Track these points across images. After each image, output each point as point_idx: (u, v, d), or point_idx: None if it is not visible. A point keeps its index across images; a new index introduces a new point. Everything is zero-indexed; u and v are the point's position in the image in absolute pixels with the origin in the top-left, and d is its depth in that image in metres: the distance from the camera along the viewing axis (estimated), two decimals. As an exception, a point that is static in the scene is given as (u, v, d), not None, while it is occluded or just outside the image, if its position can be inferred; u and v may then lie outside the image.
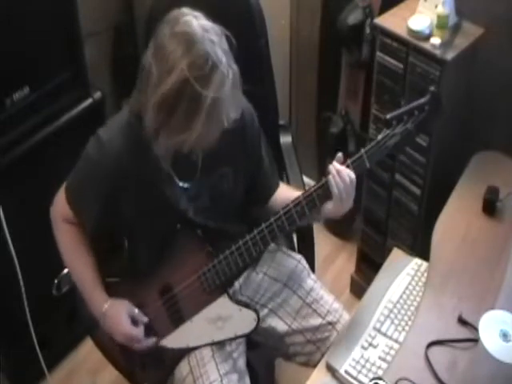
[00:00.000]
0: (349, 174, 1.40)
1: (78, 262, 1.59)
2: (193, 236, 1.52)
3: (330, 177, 1.40)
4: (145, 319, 1.57)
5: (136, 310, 1.57)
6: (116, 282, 1.62)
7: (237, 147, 1.50)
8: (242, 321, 1.56)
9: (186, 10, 1.33)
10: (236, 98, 1.32)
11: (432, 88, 1.44)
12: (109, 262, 1.64)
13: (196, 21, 1.29)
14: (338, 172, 1.40)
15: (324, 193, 1.41)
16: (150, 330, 1.58)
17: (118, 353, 1.66)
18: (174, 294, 1.56)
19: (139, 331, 1.55)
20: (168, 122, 1.29)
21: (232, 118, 1.34)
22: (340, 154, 1.43)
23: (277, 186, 1.67)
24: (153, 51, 1.30)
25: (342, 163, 1.42)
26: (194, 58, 1.24)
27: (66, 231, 1.59)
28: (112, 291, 1.59)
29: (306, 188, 1.45)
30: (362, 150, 1.41)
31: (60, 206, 1.57)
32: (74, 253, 1.59)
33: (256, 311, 1.57)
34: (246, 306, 1.57)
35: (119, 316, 1.54)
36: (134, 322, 1.56)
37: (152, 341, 1.58)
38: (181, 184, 1.49)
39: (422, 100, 1.41)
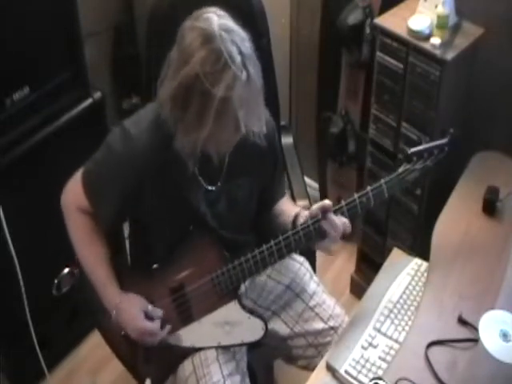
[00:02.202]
0: (344, 223, 1.43)
1: (90, 254, 1.56)
2: (210, 238, 1.53)
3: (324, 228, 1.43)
4: (159, 313, 1.55)
5: (150, 306, 1.54)
6: (128, 273, 1.60)
7: (257, 159, 1.50)
8: (250, 328, 1.56)
9: (212, 8, 1.33)
10: (255, 106, 1.32)
11: (451, 130, 1.49)
12: (120, 253, 1.63)
13: (217, 19, 1.28)
14: (333, 225, 1.42)
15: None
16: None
17: (122, 345, 1.65)
18: (185, 293, 1.56)
19: (155, 326, 1.53)
20: (182, 117, 1.30)
21: (253, 129, 1.34)
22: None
23: (282, 195, 1.68)
24: (176, 44, 1.31)
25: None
26: (207, 53, 1.24)
27: (79, 221, 1.56)
28: (123, 282, 1.57)
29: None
30: (382, 180, 1.45)
31: (74, 195, 1.54)
32: (87, 244, 1.56)
33: (264, 321, 1.57)
34: (256, 314, 1.57)
35: (133, 312, 1.52)
36: (148, 317, 1.54)
37: (167, 331, 1.56)
38: (206, 186, 1.49)
39: (443, 141, 1.47)
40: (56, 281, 2.13)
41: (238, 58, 1.25)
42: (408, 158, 1.46)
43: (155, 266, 1.58)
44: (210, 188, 1.50)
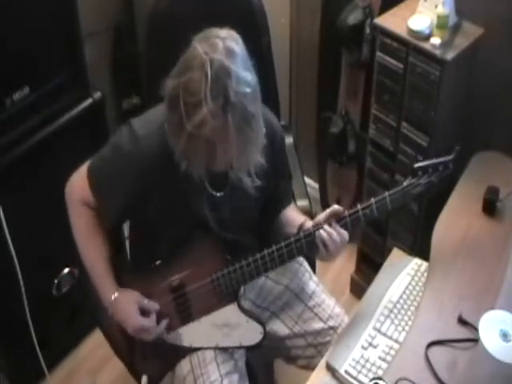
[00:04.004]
0: (341, 235, 1.44)
1: (91, 248, 1.56)
2: (213, 240, 1.52)
3: (318, 237, 1.44)
4: (156, 306, 1.55)
5: (146, 301, 1.55)
6: (128, 271, 1.60)
7: (263, 169, 1.48)
8: (249, 332, 1.57)
9: (225, 32, 1.27)
10: (237, 148, 1.26)
11: (457, 147, 1.50)
12: (120, 253, 1.64)
13: (222, 49, 1.22)
14: (330, 235, 1.44)
15: None
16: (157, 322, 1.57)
17: (120, 341, 1.65)
18: (186, 292, 1.56)
19: (150, 321, 1.53)
20: (168, 118, 1.29)
21: (237, 167, 1.33)
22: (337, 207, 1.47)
23: (287, 203, 1.68)
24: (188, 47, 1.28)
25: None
26: (193, 79, 1.21)
27: (82, 214, 1.55)
28: (123, 280, 1.57)
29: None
30: (387, 193, 1.45)
31: (79, 187, 1.53)
32: (89, 237, 1.56)
33: (263, 325, 1.57)
34: (254, 318, 1.57)
35: (129, 307, 1.53)
36: (144, 312, 1.54)
37: (163, 326, 1.56)
38: (213, 192, 1.49)
39: (449, 157, 1.48)
40: (56, 281, 2.13)
41: (218, 103, 1.19)
42: (413, 173, 1.47)
43: (158, 262, 1.58)
44: (217, 194, 1.49)
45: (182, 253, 1.54)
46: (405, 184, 1.47)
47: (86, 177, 1.52)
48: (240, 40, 1.28)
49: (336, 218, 1.45)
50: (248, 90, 1.23)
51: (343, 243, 1.46)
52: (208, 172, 1.42)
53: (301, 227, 1.54)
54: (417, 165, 1.48)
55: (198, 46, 1.24)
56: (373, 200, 1.45)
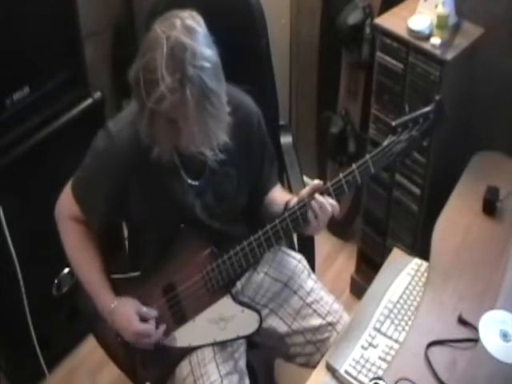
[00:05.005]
0: (333, 206, 1.41)
1: (84, 262, 1.57)
2: (197, 236, 1.52)
3: (310, 211, 1.41)
4: (154, 313, 1.56)
5: (144, 308, 1.55)
6: (120, 278, 1.61)
7: (242, 151, 1.50)
8: (245, 322, 1.56)
9: (186, 12, 1.30)
10: (198, 124, 1.27)
11: (437, 97, 1.46)
12: (114, 258, 1.64)
13: (180, 27, 1.25)
14: (321, 205, 1.40)
15: None
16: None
17: (119, 350, 1.66)
18: (178, 293, 1.56)
19: (149, 327, 1.54)
20: (135, 103, 1.31)
21: (199, 145, 1.33)
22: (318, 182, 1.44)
23: (273, 185, 1.68)
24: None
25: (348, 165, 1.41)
26: (150, 58, 1.23)
27: (72, 229, 1.57)
28: (117, 288, 1.58)
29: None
30: (368, 156, 1.41)
31: (66, 204, 1.56)
32: (81, 252, 1.57)
33: (258, 312, 1.57)
34: (249, 306, 1.57)
35: (128, 315, 1.53)
36: (143, 319, 1.54)
37: (162, 331, 1.56)
38: (189, 181, 1.49)
39: (428, 108, 1.44)
40: (56, 281, 2.13)
41: (175, 77, 1.21)
42: (393, 130, 1.43)
43: (137, 273, 1.60)
44: (193, 183, 1.50)
45: (170, 254, 1.55)
46: (385, 144, 1.42)
47: (71, 190, 1.54)
48: (201, 21, 1.30)
49: (319, 192, 1.42)
50: (207, 64, 1.25)
51: (335, 213, 1.43)
52: (182, 160, 1.44)
53: (287, 204, 1.51)
54: (396, 122, 1.43)
55: (157, 27, 1.26)
56: (354, 166, 1.40)
